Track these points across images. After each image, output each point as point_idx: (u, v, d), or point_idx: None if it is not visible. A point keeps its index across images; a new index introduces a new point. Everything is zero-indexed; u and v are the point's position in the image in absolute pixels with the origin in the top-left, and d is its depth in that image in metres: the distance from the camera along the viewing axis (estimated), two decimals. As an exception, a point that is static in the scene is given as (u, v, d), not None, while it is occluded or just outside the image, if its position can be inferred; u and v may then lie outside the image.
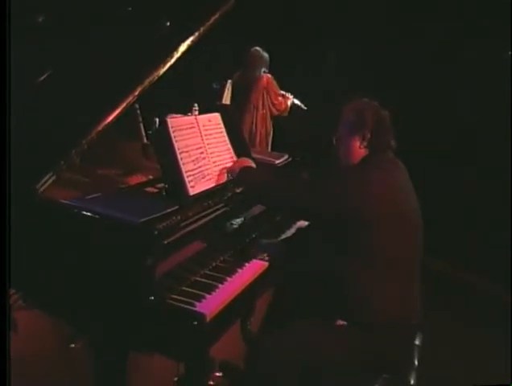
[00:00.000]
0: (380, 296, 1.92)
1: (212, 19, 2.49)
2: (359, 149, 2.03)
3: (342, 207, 1.89)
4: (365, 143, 2.02)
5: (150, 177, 2.49)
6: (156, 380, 2.54)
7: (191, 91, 5.06)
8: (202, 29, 2.45)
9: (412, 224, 2.00)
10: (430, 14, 4.67)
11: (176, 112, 5.51)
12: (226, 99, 5.10)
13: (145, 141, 2.65)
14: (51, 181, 1.80)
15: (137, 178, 2.47)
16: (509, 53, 4.29)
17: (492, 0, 4.25)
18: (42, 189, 1.77)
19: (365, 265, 1.91)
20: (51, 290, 1.83)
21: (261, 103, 4.74)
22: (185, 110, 5.69)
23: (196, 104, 5.69)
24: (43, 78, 2.15)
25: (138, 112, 2.60)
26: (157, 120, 3.06)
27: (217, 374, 2.52)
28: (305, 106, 4.91)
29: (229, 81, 5.18)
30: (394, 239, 1.91)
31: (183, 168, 2.03)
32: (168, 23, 2.94)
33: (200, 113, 5.44)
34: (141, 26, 2.48)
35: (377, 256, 1.91)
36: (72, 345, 2.67)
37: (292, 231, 2.55)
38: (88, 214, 1.74)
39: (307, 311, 2.10)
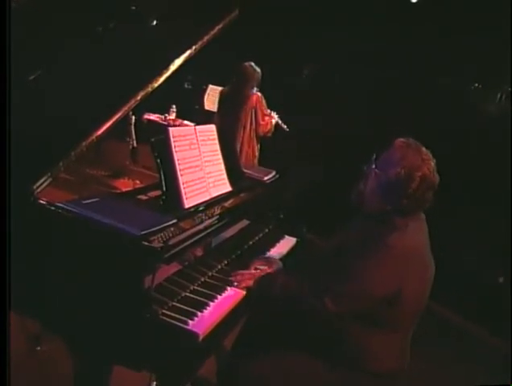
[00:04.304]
0: (383, 345, 1.85)
1: (217, 29, 2.48)
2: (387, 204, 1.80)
3: (375, 297, 1.76)
4: (396, 203, 1.77)
5: (137, 182, 2.44)
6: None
7: (168, 91, 4.97)
8: (206, 38, 2.42)
9: (428, 283, 1.90)
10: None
11: (153, 112, 5.41)
12: (206, 104, 5.06)
13: (135, 145, 2.59)
14: (47, 183, 1.72)
15: (123, 182, 2.42)
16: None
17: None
18: (38, 190, 1.69)
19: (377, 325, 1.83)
20: (40, 295, 1.75)
21: (248, 122, 4.51)
22: (162, 110, 5.59)
23: (173, 106, 5.61)
24: (45, 79, 2.07)
25: (131, 113, 2.54)
26: (133, 117, 3.00)
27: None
28: (287, 128, 4.73)
29: (210, 86, 5.13)
30: (414, 304, 1.85)
31: (181, 179, 2.00)
32: (155, 22, 2.90)
33: (177, 115, 5.33)
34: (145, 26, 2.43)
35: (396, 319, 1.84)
36: (38, 347, 2.57)
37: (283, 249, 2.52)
38: (87, 221, 1.67)
39: (288, 338, 1.95)
